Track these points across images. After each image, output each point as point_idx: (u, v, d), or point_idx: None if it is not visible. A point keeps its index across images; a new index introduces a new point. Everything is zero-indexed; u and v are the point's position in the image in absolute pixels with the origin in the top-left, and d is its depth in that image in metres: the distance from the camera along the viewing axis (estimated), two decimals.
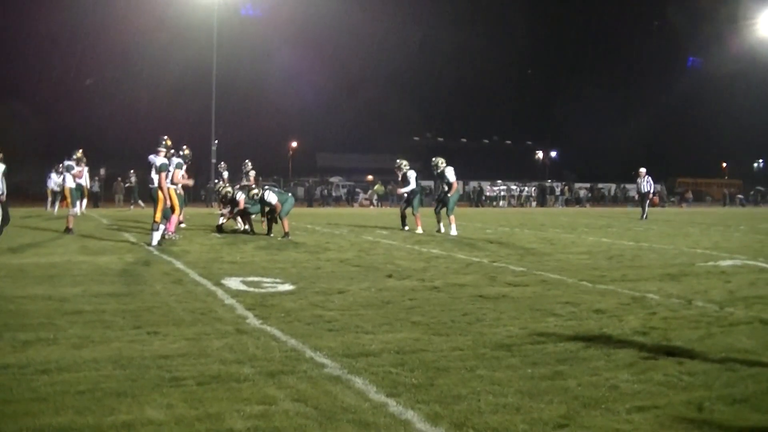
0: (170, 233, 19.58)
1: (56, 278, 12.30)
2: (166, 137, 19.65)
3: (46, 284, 11.59)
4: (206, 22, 56.86)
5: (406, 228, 24.84)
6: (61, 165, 33.96)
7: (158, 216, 18.47)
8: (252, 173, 30.41)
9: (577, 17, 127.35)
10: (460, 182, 31.21)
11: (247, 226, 22.58)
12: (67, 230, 22.26)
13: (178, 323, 8.61)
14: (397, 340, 7.85)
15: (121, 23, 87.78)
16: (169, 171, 19.15)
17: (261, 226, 22.49)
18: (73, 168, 23.31)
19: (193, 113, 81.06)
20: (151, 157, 19.51)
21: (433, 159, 25.11)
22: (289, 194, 22.59)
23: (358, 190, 75.15)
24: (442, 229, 24.10)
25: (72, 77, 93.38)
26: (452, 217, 23.88)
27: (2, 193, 17.33)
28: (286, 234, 20.95)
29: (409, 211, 25.38)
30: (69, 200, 23.29)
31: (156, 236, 18.24)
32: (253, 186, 23.62)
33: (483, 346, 7.58)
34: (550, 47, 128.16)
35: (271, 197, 21.48)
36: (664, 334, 8.29)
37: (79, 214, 22.77)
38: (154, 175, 18.98)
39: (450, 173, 24.32)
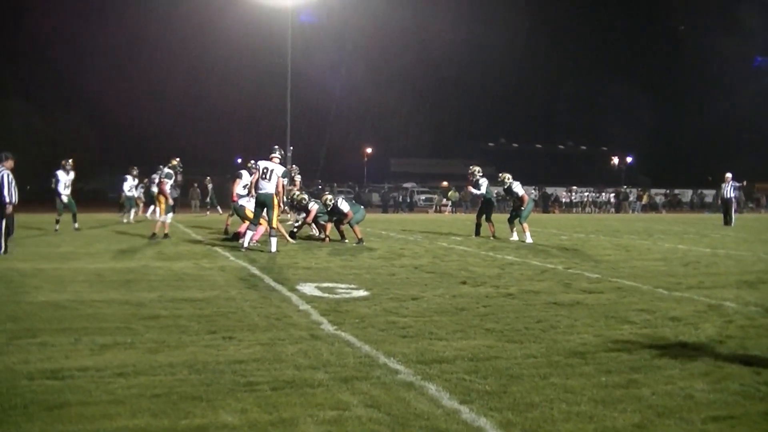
0: (254, 242, 19.66)
1: (133, 283, 12.49)
2: (277, 146, 19.86)
3: (122, 289, 11.77)
4: (282, 30, 57.18)
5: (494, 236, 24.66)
6: (134, 170, 34.53)
7: (275, 222, 18.70)
8: (298, 178, 30.40)
9: (649, 21, 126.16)
10: (535, 188, 30.94)
11: (321, 234, 22.61)
12: (153, 236, 22.41)
13: (253, 328, 8.68)
14: (470, 347, 7.82)
15: (197, 31, 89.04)
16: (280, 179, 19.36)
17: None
18: (171, 176, 23.14)
19: (269, 119, 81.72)
20: (263, 162, 19.56)
21: (500, 175, 24.99)
22: (361, 207, 22.89)
23: (433, 196, 75.09)
24: (516, 237, 23.96)
25: (147, 85, 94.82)
26: (525, 225, 23.72)
27: (10, 202, 17.34)
28: (360, 240, 21.03)
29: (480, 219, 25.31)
30: (163, 207, 23.05)
31: (274, 242, 18.44)
32: (327, 192, 23.58)
33: (557, 354, 7.53)
34: (626, 52, 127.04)
35: (344, 205, 21.57)
36: (741, 342, 8.16)
37: (166, 220, 22.74)
38: (265, 182, 19.02)
39: (518, 188, 24.15)
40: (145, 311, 9.74)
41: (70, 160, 25.43)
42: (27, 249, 18.61)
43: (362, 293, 11.57)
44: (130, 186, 34.29)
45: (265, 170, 19.05)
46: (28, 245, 19.83)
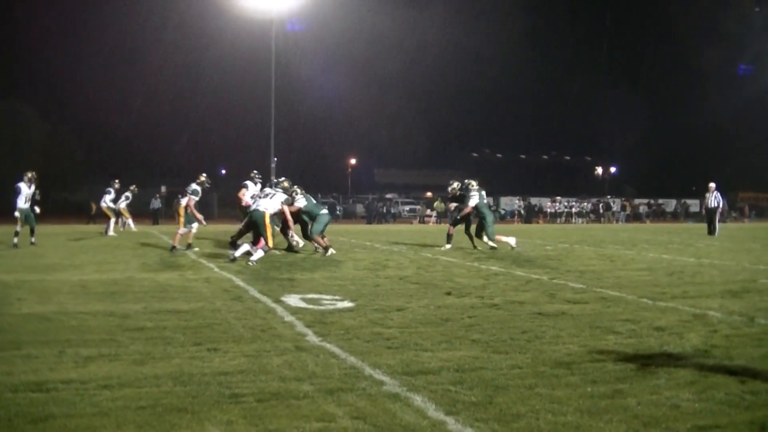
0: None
1: (117, 295, 12.45)
2: (284, 179, 20.42)
3: (107, 300, 11.74)
4: (265, 41, 57.17)
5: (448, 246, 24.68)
6: (116, 183, 34.33)
7: (270, 241, 18.68)
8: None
9: (636, 32, 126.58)
10: (519, 198, 30.75)
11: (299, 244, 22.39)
12: (173, 248, 22.33)
13: (238, 340, 8.67)
14: (456, 357, 7.83)
15: (180, 43, 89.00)
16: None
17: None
18: (198, 193, 22.70)
19: (253, 130, 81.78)
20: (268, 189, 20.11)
21: (466, 180, 25.09)
22: (325, 211, 22.29)
23: (417, 206, 75.20)
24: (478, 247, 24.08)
25: (132, 95, 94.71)
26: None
27: None
28: (326, 249, 21.02)
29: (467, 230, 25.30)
30: (182, 219, 22.91)
31: (259, 254, 18.50)
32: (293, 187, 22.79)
33: (542, 364, 7.54)
34: (611, 63, 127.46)
35: (300, 201, 21.43)
36: (726, 352, 8.18)
37: (188, 231, 22.61)
38: (265, 200, 19.30)
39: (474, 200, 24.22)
40: (130, 323, 9.71)
41: (33, 173, 24.93)
42: (11, 260, 18.55)
43: (347, 304, 11.56)
44: (111, 199, 34.03)
45: (267, 192, 19.43)
46: (12, 256, 19.76)
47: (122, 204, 36.93)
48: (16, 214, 24.31)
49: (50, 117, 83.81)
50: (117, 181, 35.38)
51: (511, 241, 23.94)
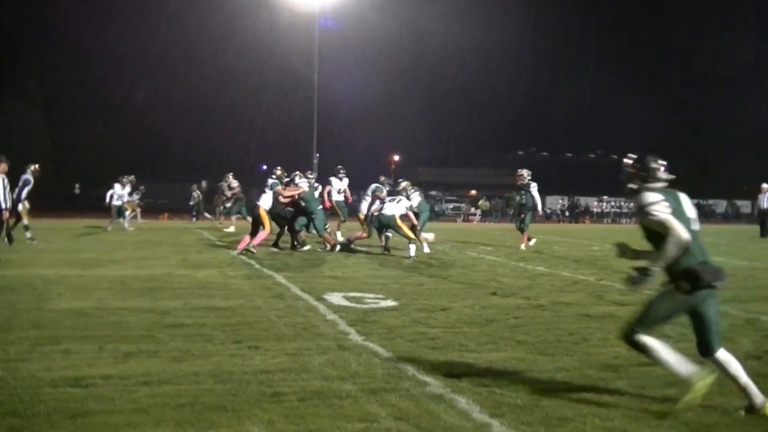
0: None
1: (156, 291, 12.54)
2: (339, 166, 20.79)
3: (146, 297, 11.81)
4: (306, 36, 57.26)
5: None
6: (125, 178, 34.03)
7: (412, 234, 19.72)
8: (235, 184, 30.15)
9: (680, 27, 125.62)
10: (565, 198, 30.37)
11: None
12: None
13: (280, 338, 8.69)
14: (501, 359, 7.80)
15: (221, 38, 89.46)
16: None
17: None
18: (278, 184, 21.98)
19: (294, 126, 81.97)
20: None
21: (399, 180, 24.96)
22: (320, 208, 21.76)
23: (461, 205, 75.02)
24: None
25: (171, 91, 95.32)
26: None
27: (5, 208, 17.22)
28: (333, 246, 20.97)
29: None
30: (266, 222, 20.69)
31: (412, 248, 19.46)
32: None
33: (589, 367, 7.49)
34: (659, 60, 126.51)
35: (414, 199, 22.00)
36: None
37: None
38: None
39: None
40: (169, 319, 9.77)
41: (37, 165, 24.51)
42: (50, 255, 18.70)
43: (390, 303, 11.57)
44: (118, 195, 33.60)
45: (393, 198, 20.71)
46: (51, 251, 19.92)
47: (134, 198, 36.77)
48: (22, 207, 24.04)
49: (88, 114, 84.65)
50: (130, 177, 34.96)
51: (429, 237, 23.56)
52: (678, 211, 6.24)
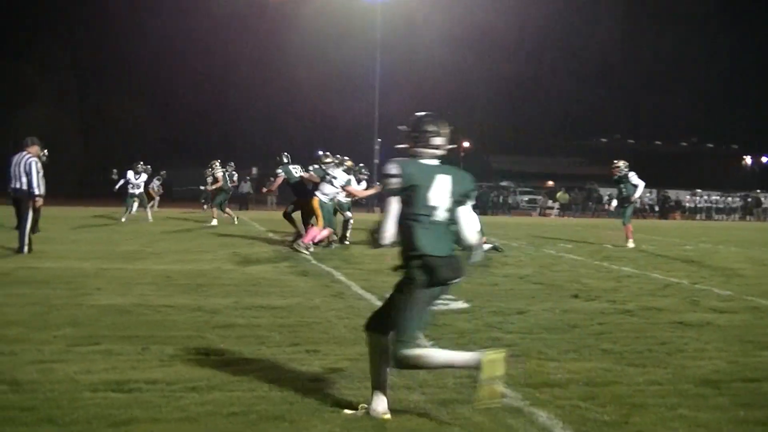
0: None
1: (205, 287, 12.62)
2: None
3: (193, 293, 11.88)
4: (370, 17, 57.35)
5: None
6: (140, 164, 33.89)
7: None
8: (219, 173, 29.93)
9: None
10: (654, 191, 29.91)
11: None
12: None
13: (340, 342, 8.70)
14: (585, 369, 7.72)
15: (281, 22, 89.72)
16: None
17: None
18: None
19: (354, 110, 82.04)
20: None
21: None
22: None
23: (537, 197, 74.64)
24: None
25: (219, 73, 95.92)
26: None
27: (40, 195, 17.31)
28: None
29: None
30: (320, 215, 19.88)
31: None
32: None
33: (685, 381, 7.37)
34: (759, 36, 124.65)
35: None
36: None
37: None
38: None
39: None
40: (219, 319, 9.82)
41: (45, 150, 24.31)
42: (86, 246, 18.93)
43: (461, 305, 11.51)
44: (133, 183, 33.26)
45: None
46: (88, 242, 20.16)
47: (154, 185, 36.70)
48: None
49: (124, 95, 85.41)
50: (141, 163, 34.63)
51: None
52: (419, 192, 5.97)
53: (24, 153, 17.28)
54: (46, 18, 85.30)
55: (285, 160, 21.72)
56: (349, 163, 22.21)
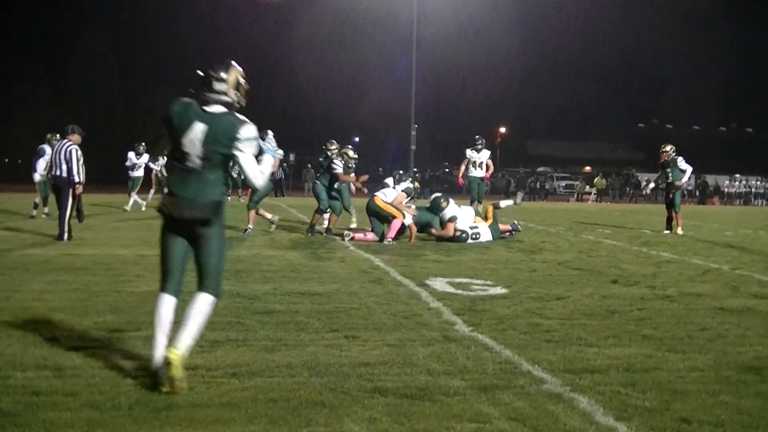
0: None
1: (244, 273, 12.64)
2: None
3: (233, 279, 11.87)
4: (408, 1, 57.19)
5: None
6: (141, 146, 33.50)
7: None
8: (161, 160, 28.55)
9: None
10: (692, 177, 29.63)
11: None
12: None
13: (379, 328, 8.69)
14: (625, 355, 7.68)
15: (319, 8, 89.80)
16: None
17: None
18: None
19: (391, 95, 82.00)
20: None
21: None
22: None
23: (574, 183, 74.38)
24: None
25: (258, 57, 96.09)
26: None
27: (80, 182, 17.35)
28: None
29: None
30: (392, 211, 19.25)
31: None
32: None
33: (727, 368, 7.31)
34: None
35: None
36: None
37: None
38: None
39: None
40: (258, 305, 9.83)
41: (57, 135, 23.89)
42: (126, 233, 19.03)
43: (500, 291, 11.50)
44: (133, 164, 32.57)
45: None
46: (128, 229, 20.26)
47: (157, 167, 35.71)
48: (38, 178, 23.67)
49: (164, 80, 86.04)
50: (142, 144, 33.76)
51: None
52: (173, 137, 6.24)
53: (65, 141, 17.46)
54: (82, 4, 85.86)
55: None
56: (333, 147, 21.59)
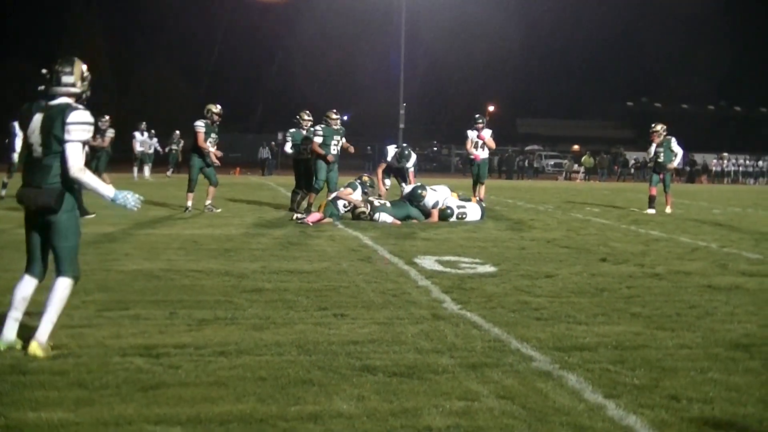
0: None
1: (233, 252, 12.63)
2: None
3: (221, 258, 11.89)
4: None
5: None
6: (143, 125, 34.42)
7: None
8: (110, 133, 27.36)
9: None
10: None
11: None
12: None
13: (368, 306, 8.68)
14: (614, 333, 7.69)
15: None
16: None
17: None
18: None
19: (378, 72, 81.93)
20: None
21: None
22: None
23: (563, 161, 74.46)
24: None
25: (250, 34, 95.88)
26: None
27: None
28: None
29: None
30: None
31: None
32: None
33: (715, 345, 7.32)
34: None
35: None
36: None
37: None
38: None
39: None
40: (247, 283, 9.82)
41: (144, 123, 24.09)
42: (114, 211, 18.88)
43: (489, 269, 11.49)
44: (141, 142, 34.09)
45: None
46: (116, 207, 20.20)
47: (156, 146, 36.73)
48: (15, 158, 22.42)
49: (155, 57, 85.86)
50: (144, 123, 34.97)
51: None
52: (24, 130, 6.68)
53: None
54: None
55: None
56: (308, 118, 21.58)
